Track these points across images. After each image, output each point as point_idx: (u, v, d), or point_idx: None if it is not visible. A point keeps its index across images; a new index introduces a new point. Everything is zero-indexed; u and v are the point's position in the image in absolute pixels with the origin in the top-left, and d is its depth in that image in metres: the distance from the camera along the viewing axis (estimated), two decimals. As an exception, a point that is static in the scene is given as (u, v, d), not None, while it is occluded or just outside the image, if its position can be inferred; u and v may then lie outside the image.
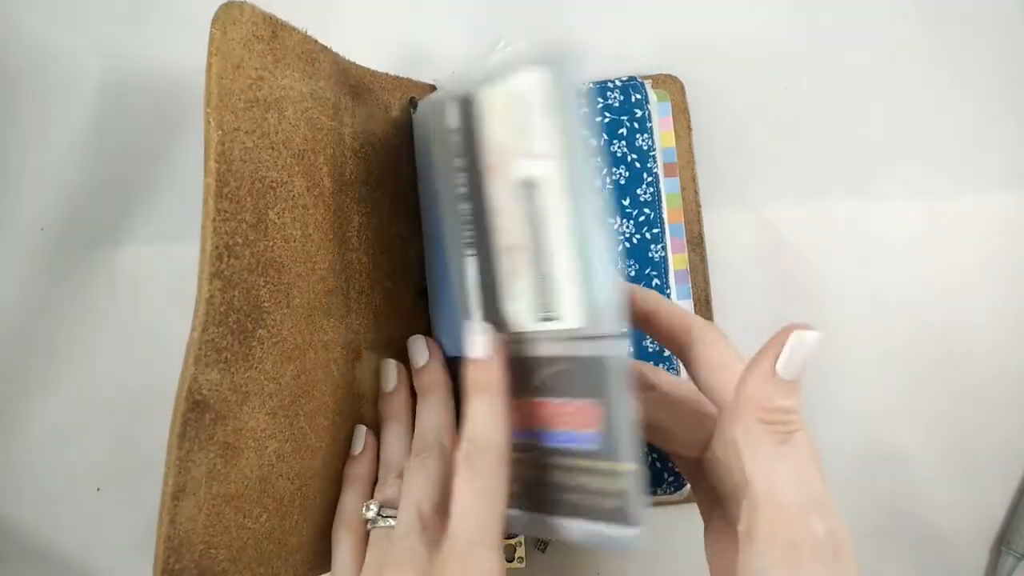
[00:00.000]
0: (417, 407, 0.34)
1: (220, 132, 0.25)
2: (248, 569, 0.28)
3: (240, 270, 0.26)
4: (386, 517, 0.30)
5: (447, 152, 0.31)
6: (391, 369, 0.34)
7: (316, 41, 0.30)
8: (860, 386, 0.43)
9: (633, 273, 0.40)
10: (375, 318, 0.34)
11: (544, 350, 0.29)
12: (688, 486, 0.37)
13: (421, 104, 0.34)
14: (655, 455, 0.38)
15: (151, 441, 0.42)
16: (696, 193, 0.42)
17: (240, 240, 0.26)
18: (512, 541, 0.41)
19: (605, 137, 0.40)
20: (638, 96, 0.41)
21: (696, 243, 0.42)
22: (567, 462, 0.28)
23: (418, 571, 0.26)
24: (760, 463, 0.25)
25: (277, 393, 0.28)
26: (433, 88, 0.38)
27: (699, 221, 0.42)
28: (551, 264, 0.28)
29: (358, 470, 0.33)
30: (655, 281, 0.40)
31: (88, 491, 0.42)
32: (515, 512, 0.30)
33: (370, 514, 0.30)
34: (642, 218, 0.40)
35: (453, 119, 0.31)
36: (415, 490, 0.29)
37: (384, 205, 0.35)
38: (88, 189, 0.44)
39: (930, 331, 0.43)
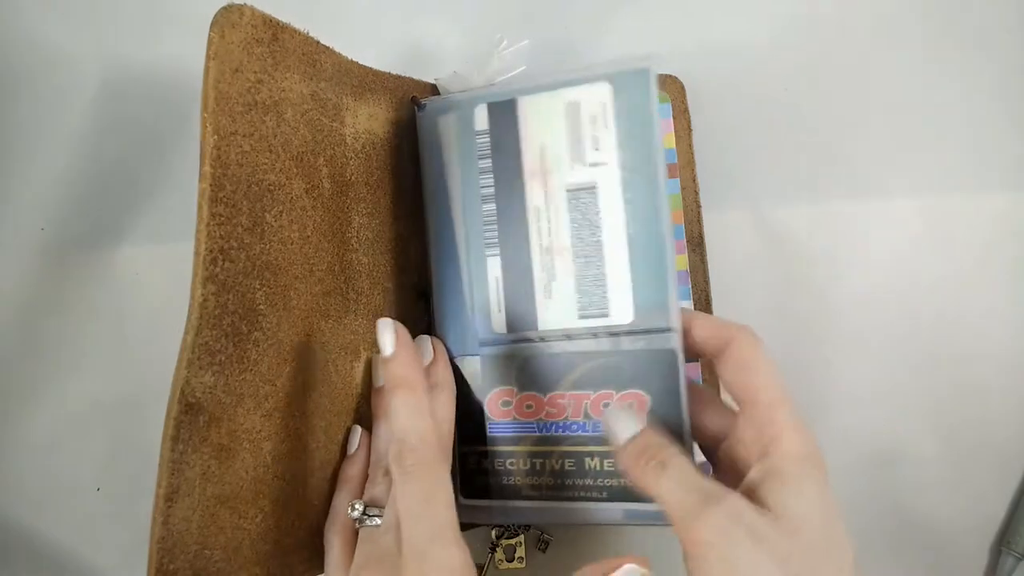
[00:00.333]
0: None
1: (216, 137, 0.25)
2: (244, 569, 0.28)
3: (235, 273, 0.26)
4: (372, 516, 0.30)
5: (470, 154, 0.33)
6: (381, 366, 0.34)
7: (318, 42, 0.30)
8: (859, 386, 0.43)
9: None
10: (374, 319, 0.34)
11: (582, 346, 0.31)
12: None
13: (430, 104, 0.34)
14: None
15: (151, 441, 0.42)
16: (696, 193, 0.42)
17: (235, 244, 0.26)
18: (512, 541, 0.41)
19: None
20: None
21: (696, 243, 0.42)
22: (610, 449, 0.31)
23: (388, 572, 0.27)
24: (657, 496, 0.27)
25: (273, 395, 0.28)
26: (434, 87, 0.38)
27: (699, 221, 0.42)
28: (603, 265, 0.31)
29: (351, 471, 0.32)
30: None
31: (88, 491, 0.42)
32: (541, 504, 0.32)
33: (355, 513, 0.30)
34: None
35: (481, 122, 0.33)
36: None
37: (385, 205, 0.35)
38: (88, 189, 0.44)
39: (930, 331, 0.43)
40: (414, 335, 0.36)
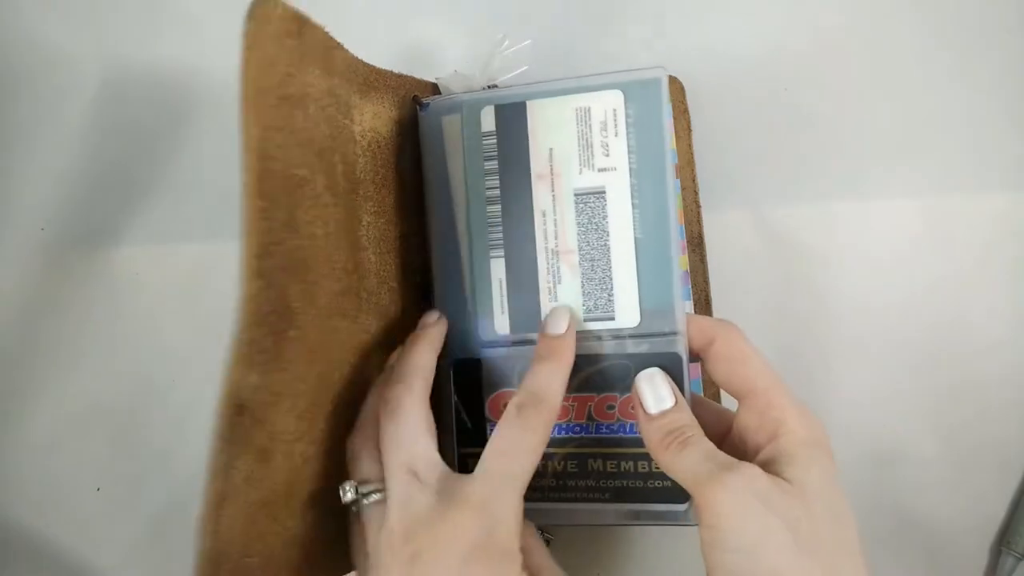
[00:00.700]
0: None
1: (258, 129, 0.25)
2: (276, 575, 0.27)
3: (274, 269, 0.25)
4: (368, 493, 0.28)
5: (476, 155, 0.33)
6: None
7: (333, 38, 0.30)
8: (859, 386, 0.43)
9: None
10: (382, 318, 0.34)
11: (587, 349, 0.32)
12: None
13: (434, 103, 0.34)
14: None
15: (151, 441, 0.42)
16: (696, 193, 0.42)
17: (275, 239, 0.25)
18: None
19: None
20: None
21: (696, 243, 0.42)
22: (613, 451, 0.32)
23: (430, 520, 0.26)
24: (679, 475, 0.28)
25: (305, 394, 0.28)
26: (435, 87, 0.38)
27: (699, 221, 0.42)
28: (610, 268, 0.32)
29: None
30: None
31: (88, 491, 0.42)
32: (542, 505, 0.32)
33: (348, 496, 0.28)
34: None
35: (488, 123, 0.33)
36: (397, 450, 0.28)
37: (390, 204, 0.35)
38: (88, 189, 0.44)
39: (930, 331, 0.43)
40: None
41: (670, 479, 0.29)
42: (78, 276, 0.43)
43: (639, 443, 0.30)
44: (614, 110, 0.31)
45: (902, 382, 0.42)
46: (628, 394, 0.31)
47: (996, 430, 0.42)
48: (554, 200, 0.32)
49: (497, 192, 0.33)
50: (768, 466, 0.27)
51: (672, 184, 0.31)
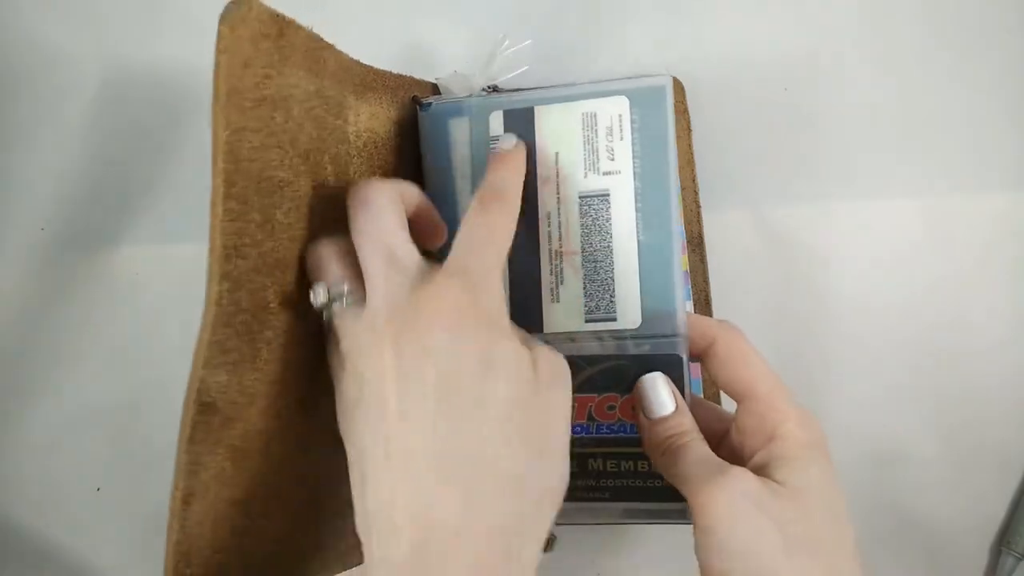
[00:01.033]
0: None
1: (228, 131, 0.25)
2: (259, 573, 0.27)
3: (247, 271, 0.26)
4: (342, 293, 0.26)
5: (482, 158, 0.34)
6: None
7: (321, 39, 0.30)
8: (859, 386, 0.43)
9: None
10: None
11: (588, 349, 0.32)
12: None
13: (436, 104, 0.34)
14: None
15: (151, 441, 0.42)
16: (696, 194, 0.42)
17: (247, 240, 0.26)
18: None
19: None
20: None
21: (696, 243, 0.42)
22: (613, 451, 0.32)
23: (406, 291, 0.25)
24: (675, 479, 0.28)
25: (283, 394, 0.28)
26: (435, 87, 0.38)
27: (699, 221, 0.42)
28: (612, 270, 0.32)
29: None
30: None
31: (88, 491, 0.42)
32: None
33: (320, 298, 0.27)
34: None
35: (497, 128, 0.33)
36: (373, 233, 0.26)
37: None
38: (88, 189, 0.44)
39: (930, 331, 0.43)
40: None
41: None
42: (78, 276, 0.43)
43: (639, 443, 0.31)
44: (620, 116, 0.32)
45: (902, 382, 0.42)
46: (629, 395, 0.31)
47: (996, 430, 0.42)
48: (559, 202, 0.33)
49: None
50: (765, 468, 0.27)
51: (675, 188, 0.31)
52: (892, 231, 0.43)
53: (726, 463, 0.27)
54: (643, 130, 0.32)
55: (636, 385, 0.31)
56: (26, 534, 0.41)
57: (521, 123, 0.33)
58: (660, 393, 0.30)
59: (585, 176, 0.32)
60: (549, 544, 0.42)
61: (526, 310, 0.33)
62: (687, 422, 0.29)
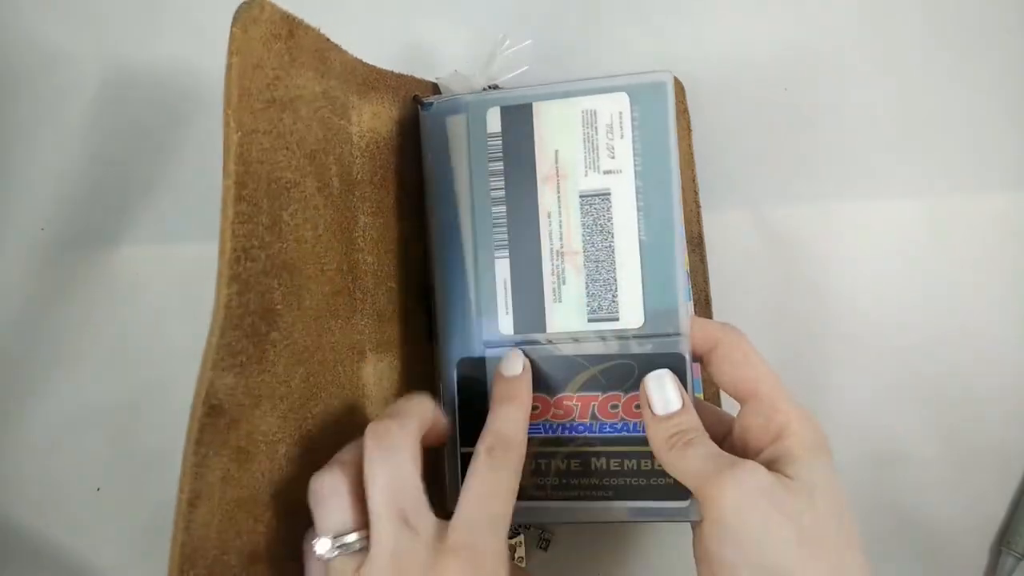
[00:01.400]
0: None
1: (239, 134, 0.25)
2: (262, 575, 0.27)
3: (256, 273, 0.26)
4: (345, 545, 0.26)
5: (481, 155, 0.33)
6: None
7: (328, 39, 0.30)
8: (859, 386, 0.43)
9: None
10: (378, 319, 0.34)
11: (591, 349, 0.32)
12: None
13: (437, 103, 0.34)
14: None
15: (151, 441, 0.42)
16: (696, 193, 0.42)
17: (256, 243, 0.26)
18: (512, 541, 0.41)
19: None
20: None
21: (696, 243, 0.42)
22: (616, 449, 0.32)
23: (422, 565, 0.25)
24: (682, 474, 0.29)
25: (288, 396, 0.28)
26: (435, 86, 0.38)
27: (699, 221, 0.42)
28: (614, 269, 0.32)
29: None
30: None
31: (88, 491, 0.42)
32: (546, 504, 0.33)
33: (322, 550, 0.26)
34: None
35: (495, 124, 0.33)
36: (387, 490, 0.26)
37: (389, 205, 0.35)
38: (88, 189, 0.44)
39: (930, 331, 0.43)
40: (415, 335, 0.36)
41: (672, 476, 0.30)
42: (78, 276, 0.43)
43: (642, 441, 0.31)
44: (620, 113, 0.32)
45: (902, 382, 0.43)
46: (632, 393, 0.32)
47: (996, 430, 0.42)
48: (559, 201, 0.32)
49: (502, 193, 0.33)
50: (771, 465, 0.28)
51: (677, 187, 0.31)
52: (892, 231, 0.43)
53: (737, 457, 0.28)
54: (644, 127, 0.31)
55: (642, 382, 0.31)
56: (26, 534, 0.41)
57: (519, 119, 0.33)
58: (667, 390, 0.30)
59: (586, 175, 0.32)
60: (546, 544, 0.42)
61: (529, 311, 0.33)
62: (693, 419, 0.30)
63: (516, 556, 0.41)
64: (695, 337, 0.31)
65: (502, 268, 0.33)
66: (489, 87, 0.38)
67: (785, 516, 0.26)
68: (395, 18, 0.45)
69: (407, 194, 0.36)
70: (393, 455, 0.26)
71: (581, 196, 0.32)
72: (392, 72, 0.35)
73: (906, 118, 0.44)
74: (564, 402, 0.32)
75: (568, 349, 0.32)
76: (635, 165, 0.32)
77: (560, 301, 0.32)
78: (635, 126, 0.32)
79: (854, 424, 0.42)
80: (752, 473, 0.27)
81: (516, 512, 0.32)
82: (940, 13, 0.44)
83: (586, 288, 0.32)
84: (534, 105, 0.33)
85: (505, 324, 0.33)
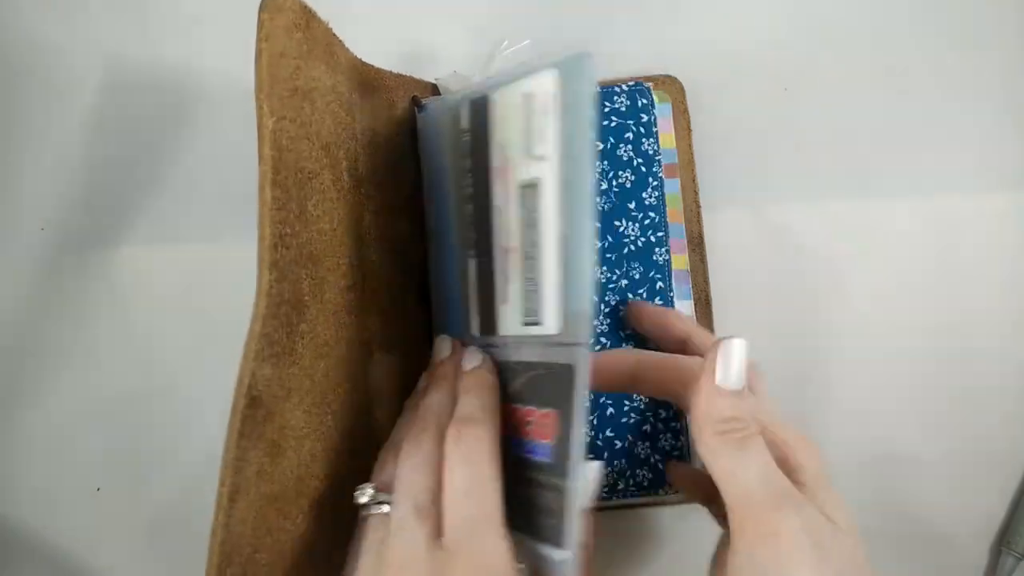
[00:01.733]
0: (426, 391, 0.31)
1: (273, 119, 0.25)
2: (285, 572, 0.27)
3: (289, 261, 0.25)
4: (380, 503, 0.27)
5: (456, 153, 0.32)
6: (447, 342, 0.33)
7: (335, 35, 0.30)
8: (860, 386, 0.43)
9: (638, 276, 0.39)
10: (383, 316, 0.34)
11: (525, 355, 0.29)
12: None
13: (430, 104, 0.34)
14: (657, 456, 0.38)
15: (151, 441, 0.42)
16: (696, 193, 0.42)
17: (289, 230, 0.25)
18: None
19: (612, 141, 0.40)
20: (644, 101, 0.41)
21: (696, 243, 0.42)
22: (526, 474, 0.28)
23: (421, 565, 0.25)
24: (724, 471, 0.26)
25: (312, 390, 0.27)
26: (435, 87, 0.38)
27: (699, 221, 0.42)
28: (539, 268, 0.28)
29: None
30: (659, 284, 0.40)
31: (88, 491, 0.42)
32: None
33: (364, 499, 0.27)
34: (647, 221, 0.40)
35: (465, 120, 0.31)
36: (410, 475, 0.27)
37: (390, 204, 0.35)
38: (88, 189, 0.44)
39: (930, 331, 0.43)
40: (418, 334, 0.36)
41: (559, 517, 0.26)
42: (78, 276, 0.43)
43: (543, 469, 0.27)
44: (551, 94, 0.27)
45: (902, 382, 0.43)
46: (545, 409, 0.27)
47: (996, 430, 0.42)
48: (506, 196, 0.29)
49: (471, 191, 0.31)
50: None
51: (593, 173, 0.27)
52: (892, 231, 0.43)
53: (791, 487, 0.26)
54: (567, 108, 0.27)
55: (714, 344, 0.28)
56: (26, 534, 0.41)
57: (481, 112, 0.30)
58: (733, 363, 0.27)
59: (524, 164, 0.28)
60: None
61: (487, 312, 0.31)
62: (749, 410, 0.27)
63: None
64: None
65: (472, 268, 0.32)
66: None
67: (827, 565, 0.24)
68: (395, 18, 0.45)
69: (408, 195, 0.36)
70: (420, 459, 0.27)
71: (519, 187, 0.29)
72: (391, 72, 0.35)
73: (906, 118, 0.44)
74: (505, 412, 0.29)
75: (512, 353, 0.30)
76: (560, 151, 0.27)
77: (507, 302, 0.30)
78: (562, 107, 0.27)
79: (854, 424, 0.42)
80: (808, 517, 0.25)
81: None
82: (940, 13, 0.44)
83: (523, 288, 0.29)
84: (490, 95, 0.30)
85: (475, 325, 0.32)
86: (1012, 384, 0.42)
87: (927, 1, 0.44)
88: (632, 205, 0.40)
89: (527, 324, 0.29)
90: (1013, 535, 0.41)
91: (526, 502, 0.27)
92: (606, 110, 0.40)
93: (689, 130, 0.43)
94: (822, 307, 0.43)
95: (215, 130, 0.44)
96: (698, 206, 0.42)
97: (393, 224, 0.35)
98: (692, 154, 0.43)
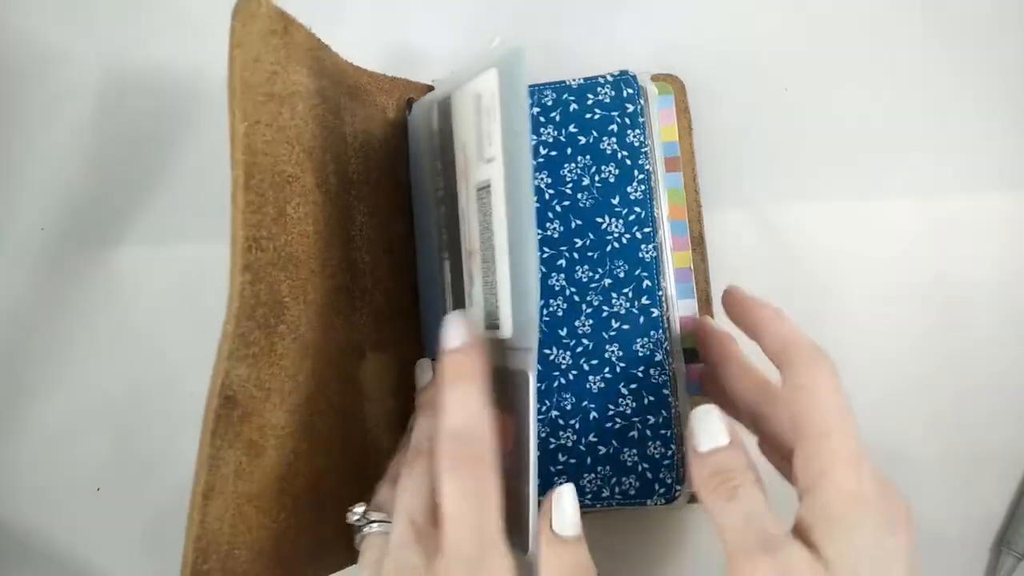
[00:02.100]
0: (415, 417, 0.32)
1: (245, 124, 0.25)
2: (267, 570, 0.28)
3: (265, 264, 0.26)
4: (372, 522, 0.28)
5: (432, 155, 0.32)
6: (427, 367, 0.33)
7: (319, 40, 0.30)
8: (859, 385, 0.42)
9: (622, 275, 0.37)
10: (376, 318, 0.34)
11: (493, 359, 0.28)
12: (679, 496, 0.37)
13: (416, 106, 0.34)
14: (646, 464, 0.37)
15: (151, 441, 0.42)
16: (696, 193, 0.42)
17: (265, 233, 0.26)
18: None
19: (595, 135, 0.38)
20: (630, 91, 0.39)
21: (697, 243, 0.42)
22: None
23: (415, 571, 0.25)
24: (718, 526, 0.26)
25: (295, 390, 0.28)
26: (431, 89, 0.38)
27: (699, 221, 0.42)
28: (496, 270, 0.28)
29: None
30: (646, 283, 0.37)
31: (88, 491, 0.42)
32: None
33: (354, 518, 0.28)
34: (632, 217, 0.38)
35: (435, 121, 0.31)
36: (406, 497, 0.27)
37: (384, 205, 0.35)
38: (88, 189, 0.44)
39: (930, 331, 0.43)
40: (410, 335, 0.36)
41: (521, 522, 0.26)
42: (78, 276, 0.43)
43: (510, 476, 0.26)
44: (493, 93, 0.27)
45: (902, 382, 0.42)
46: (507, 414, 0.27)
47: (996, 430, 0.42)
48: (468, 197, 0.29)
49: (442, 193, 0.31)
50: (812, 530, 0.25)
51: (529, 173, 0.26)
52: (892, 231, 0.43)
53: (777, 535, 0.24)
54: (505, 106, 0.26)
55: (690, 416, 0.28)
56: (26, 534, 0.41)
57: (447, 114, 0.30)
58: (712, 425, 0.27)
59: (478, 166, 0.28)
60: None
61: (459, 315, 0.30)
62: (740, 459, 0.27)
63: None
64: (775, 347, 0.30)
65: (447, 269, 0.32)
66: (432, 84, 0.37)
67: None
68: (391, 19, 0.45)
69: (403, 196, 0.36)
70: (417, 480, 0.27)
71: (476, 189, 0.29)
72: (385, 76, 0.35)
73: (906, 118, 0.44)
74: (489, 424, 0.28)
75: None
76: (504, 150, 0.27)
77: (472, 304, 0.30)
78: (501, 107, 0.27)
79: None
80: (787, 567, 0.23)
81: None
82: (940, 13, 0.44)
83: (483, 291, 0.29)
84: (452, 96, 0.29)
85: None
86: (1012, 385, 0.42)
87: (927, 1, 0.44)
88: (616, 200, 0.38)
89: (488, 328, 0.28)
90: (1013, 535, 0.41)
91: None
92: (589, 103, 0.39)
93: (690, 129, 0.43)
94: (822, 307, 0.43)
95: (215, 131, 0.44)
96: (699, 205, 0.42)
97: (389, 225, 0.35)
98: (692, 154, 0.43)
